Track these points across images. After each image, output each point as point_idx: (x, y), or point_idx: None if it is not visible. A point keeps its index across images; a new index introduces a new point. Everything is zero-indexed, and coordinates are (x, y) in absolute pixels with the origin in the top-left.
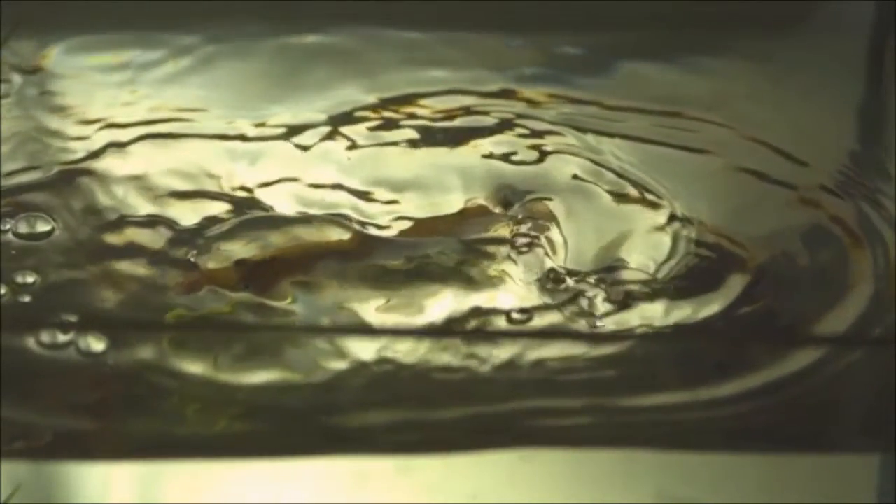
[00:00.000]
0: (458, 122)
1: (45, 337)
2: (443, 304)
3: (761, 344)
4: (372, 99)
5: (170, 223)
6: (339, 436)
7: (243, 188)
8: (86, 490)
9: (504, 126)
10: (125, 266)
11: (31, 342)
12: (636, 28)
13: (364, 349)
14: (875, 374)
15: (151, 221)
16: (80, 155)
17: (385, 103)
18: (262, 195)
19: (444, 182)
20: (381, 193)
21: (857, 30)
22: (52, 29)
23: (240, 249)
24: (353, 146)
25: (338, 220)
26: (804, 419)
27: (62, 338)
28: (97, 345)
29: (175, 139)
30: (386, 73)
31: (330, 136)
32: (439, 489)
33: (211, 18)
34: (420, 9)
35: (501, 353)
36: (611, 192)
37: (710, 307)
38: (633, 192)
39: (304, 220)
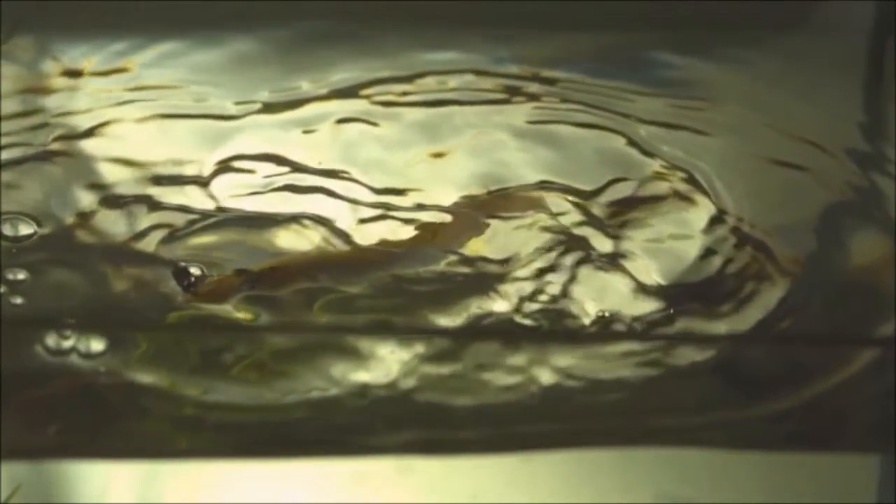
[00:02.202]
0: (465, 108)
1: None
2: (453, 315)
3: (813, 349)
4: (377, 77)
5: (157, 216)
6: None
7: (235, 177)
8: (86, 490)
9: (514, 109)
10: (108, 263)
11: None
12: (640, 26)
13: (365, 362)
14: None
15: (137, 209)
16: (59, 134)
17: (389, 82)
18: (258, 189)
19: (449, 174)
20: (383, 187)
21: (857, 30)
22: (50, 25)
23: (229, 252)
24: (354, 124)
25: (333, 223)
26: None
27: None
28: (96, 345)
29: (168, 121)
30: (391, 56)
31: (329, 123)
32: (439, 489)
33: (210, 6)
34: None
35: (512, 363)
36: (635, 178)
37: (751, 311)
38: (656, 175)
39: (297, 219)
